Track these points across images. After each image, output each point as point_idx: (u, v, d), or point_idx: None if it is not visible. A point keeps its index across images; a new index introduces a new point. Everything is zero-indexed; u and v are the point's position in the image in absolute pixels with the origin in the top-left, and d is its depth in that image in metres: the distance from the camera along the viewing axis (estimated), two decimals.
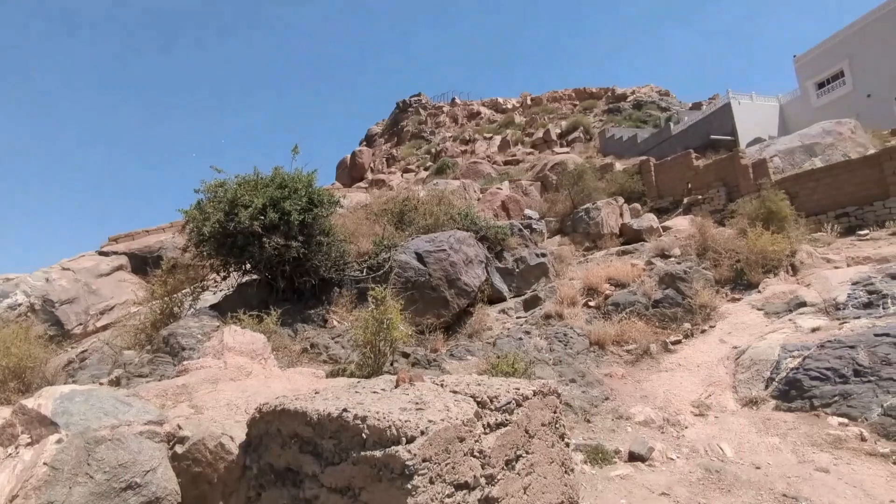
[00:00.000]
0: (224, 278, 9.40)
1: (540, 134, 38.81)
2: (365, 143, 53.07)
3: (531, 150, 36.91)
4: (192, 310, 8.94)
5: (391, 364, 6.83)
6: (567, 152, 31.42)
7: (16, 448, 3.05)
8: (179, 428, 3.58)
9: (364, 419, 2.75)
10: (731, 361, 8.33)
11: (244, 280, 9.49)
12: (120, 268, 14.82)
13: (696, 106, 38.90)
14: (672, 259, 12.08)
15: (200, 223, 8.35)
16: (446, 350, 8.94)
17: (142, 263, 15.19)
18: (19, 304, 12.31)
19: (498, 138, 39.79)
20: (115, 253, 15.18)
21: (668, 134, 28.20)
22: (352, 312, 8.86)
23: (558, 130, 39.39)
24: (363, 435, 2.70)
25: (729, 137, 24.68)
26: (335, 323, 8.73)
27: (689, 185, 19.14)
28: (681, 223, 16.10)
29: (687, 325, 9.69)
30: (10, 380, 7.75)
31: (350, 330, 7.94)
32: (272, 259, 8.37)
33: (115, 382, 6.54)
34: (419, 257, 10.09)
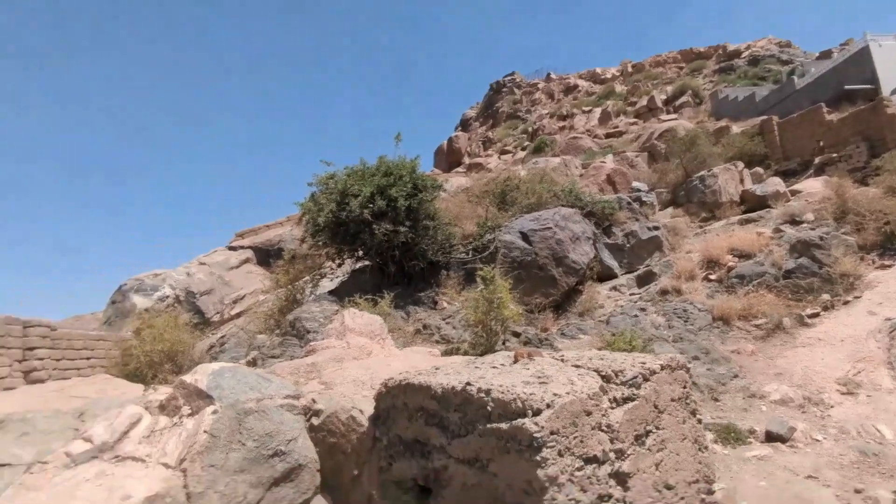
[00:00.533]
0: (339, 265, 9.94)
1: (644, 102, 36.61)
2: (460, 127, 53.33)
3: (634, 120, 34.94)
4: (312, 296, 9.57)
5: (503, 343, 6.84)
6: (675, 119, 29.36)
7: (179, 418, 3.44)
8: (314, 402, 3.83)
9: (488, 392, 2.75)
10: (885, 335, 7.38)
11: (357, 266, 9.97)
12: (247, 261, 16.23)
13: (825, 55, 34.42)
14: (804, 225, 10.88)
15: (315, 214, 8.87)
16: (557, 329, 8.79)
17: (265, 256, 16.53)
18: (167, 297, 13.93)
19: (598, 111, 38.13)
20: (242, 247, 16.65)
21: (791, 89, 25.29)
22: (460, 294, 8.98)
23: (664, 97, 36.88)
24: (488, 408, 2.71)
25: (868, 86, 21.58)
26: (445, 304, 8.90)
27: (821, 143, 17.07)
28: (812, 185, 14.43)
29: (826, 297, 8.70)
30: (165, 362, 8.83)
31: (460, 311, 8.05)
32: (382, 245, 8.70)
33: (252, 363, 7.17)
34: (524, 236, 9.97)
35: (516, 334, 7.76)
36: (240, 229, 18.26)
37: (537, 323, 8.86)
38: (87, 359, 11.16)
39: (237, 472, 3.17)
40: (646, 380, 3.14)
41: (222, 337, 11.26)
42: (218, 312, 14.14)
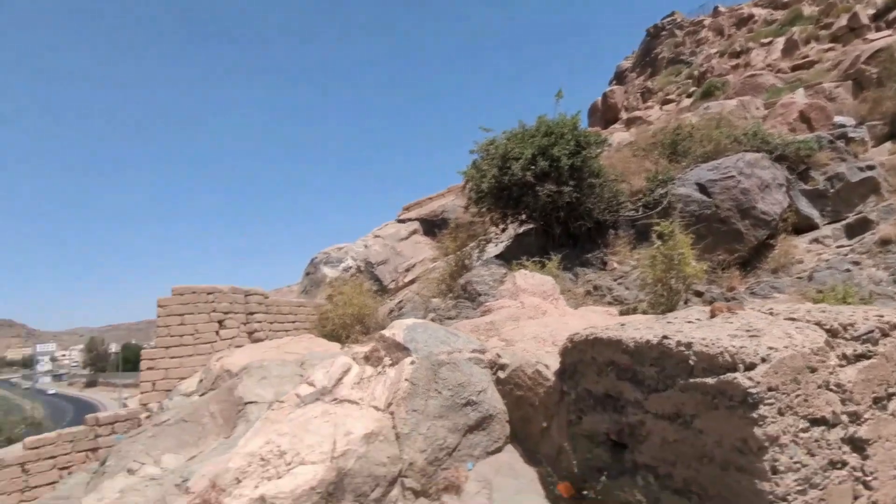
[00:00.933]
0: (503, 230, 10.07)
1: (843, 22, 30.37)
2: (615, 81, 49.78)
3: (830, 45, 29.24)
4: (479, 261, 9.86)
5: (685, 303, 6.38)
6: (888, 35, 24.02)
7: (382, 367, 3.82)
8: (499, 356, 3.98)
9: (689, 346, 2.59)
10: None
11: (521, 230, 10.00)
12: (414, 232, 17.28)
13: None
14: None
15: (478, 181, 9.05)
16: (745, 288, 7.93)
17: (430, 226, 17.42)
18: (350, 267, 15.46)
19: (780, 41, 32.64)
20: (410, 219, 17.73)
21: None
22: (631, 253, 8.54)
23: (871, 11, 30.31)
24: (689, 362, 2.55)
25: None
26: (615, 265, 8.55)
27: None
28: None
29: None
30: (355, 324, 9.86)
31: (633, 270, 7.67)
32: (546, 206, 8.60)
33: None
34: (702, 188, 9.09)
35: (698, 293, 7.18)
36: (406, 203, 19.46)
37: (721, 282, 8.08)
38: (293, 322, 12.94)
39: (436, 418, 3.43)
40: (884, 335, 2.71)
41: (399, 302, 12.20)
42: (393, 280, 15.35)
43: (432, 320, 7.90)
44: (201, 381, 8.02)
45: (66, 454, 8.44)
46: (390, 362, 3.81)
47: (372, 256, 15.70)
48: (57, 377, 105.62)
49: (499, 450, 3.69)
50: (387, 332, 3.97)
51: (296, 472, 2.97)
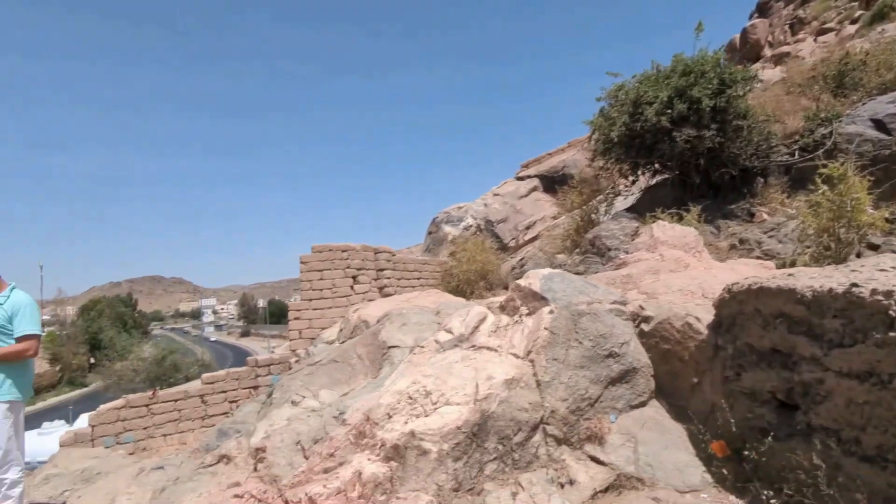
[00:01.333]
0: (633, 182, 9.48)
1: None
2: (756, 14, 43.86)
3: None
4: (607, 215, 9.41)
5: (857, 256, 5.56)
6: None
7: (519, 316, 3.80)
8: (642, 308, 3.78)
9: (889, 294, 2.23)
10: None
11: (654, 182, 9.34)
12: (534, 189, 16.93)
13: None
14: None
15: (606, 129, 8.53)
16: None
17: (550, 182, 16.95)
18: (470, 226, 15.61)
19: None
20: (529, 176, 17.38)
21: None
22: (785, 202, 7.62)
23: None
24: (890, 312, 2.20)
25: None
26: (764, 216, 7.69)
27: None
28: None
29: None
30: (478, 280, 9.99)
31: (789, 221, 6.85)
32: (684, 153, 7.90)
33: None
34: (879, 125, 7.76)
35: (873, 247, 6.22)
36: (525, 160, 19.07)
37: None
38: (418, 279, 13.46)
39: (577, 368, 3.35)
40: None
41: (521, 259, 12.13)
42: (513, 238, 15.27)
43: None
44: (341, 329, 8.67)
45: (233, 389, 9.68)
46: (527, 311, 3.78)
47: (492, 215, 15.69)
48: (218, 327, 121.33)
49: (643, 404, 3.54)
50: (523, 282, 3.93)
51: (441, 411, 3.09)
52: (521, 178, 17.53)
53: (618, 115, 8.40)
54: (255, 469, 3.33)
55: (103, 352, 45.29)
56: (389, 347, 4.03)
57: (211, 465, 3.62)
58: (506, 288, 10.74)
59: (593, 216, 9.51)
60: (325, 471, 3.11)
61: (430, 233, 16.78)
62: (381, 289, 12.08)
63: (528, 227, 15.44)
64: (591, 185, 14.66)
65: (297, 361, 10.60)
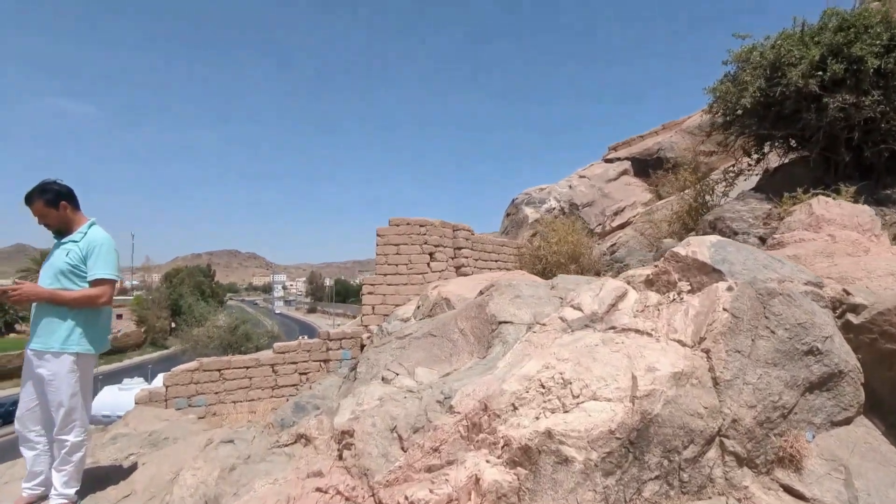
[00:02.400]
0: (757, 161, 8.21)
1: None
2: None
3: None
4: (724, 197, 8.23)
5: None
6: None
7: (677, 293, 2.96)
8: (846, 294, 2.83)
9: None
10: None
11: (786, 160, 8.04)
12: (624, 172, 15.66)
13: None
14: None
15: (735, 96, 7.34)
16: None
17: (642, 166, 15.61)
18: (553, 208, 14.63)
19: None
20: (619, 159, 16.11)
21: None
22: None
23: None
24: None
25: None
26: None
27: None
28: None
29: None
30: (569, 263, 9.09)
31: None
32: (835, 124, 6.62)
33: None
34: None
35: None
36: (612, 142, 17.75)
37: None
38: (495, 260, 12.72)
39: (768, 365, 2.48)
40: None
41: (612, 245, 11.09)
42: (599, 224, 14.15)
43: None
44: (418, 307, 8.07)
45: (304, 361, 9.38)
46: (688, 288, 2.93)
47: (577, 198, 14.62)
48: (287, 303, 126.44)
49: (848, 420, 2.62)
50: (681, 250, 3.07)
51: (586, 407, 2.32)
52: (609, 161, 16.28)
53: (751, 79, 7.19)
54: (340, 457, 2.71)
55: (182, 317, 47.87)
56: (500, 323, 3.30)
57: (287, 445, 3.06)
58: (598, 274, 9.79)
59: (707, 197, 8.34)
60: (429, 469, 2.43)
61: (508, 214, 15.93)
62: (457, 268, 11.43)
63: (616, 213, 14.26)
64: (692, 169, 13.31)
65: (368, 337, 10.18)
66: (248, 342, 29.32)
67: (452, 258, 11.39)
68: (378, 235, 10.68)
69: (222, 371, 8.69)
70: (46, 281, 2.94)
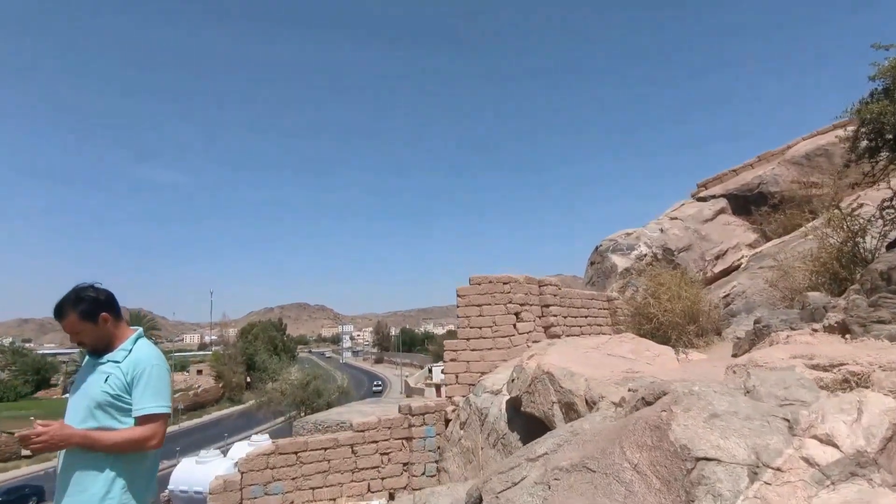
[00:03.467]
0: None
1: None
2: None
3: None
4: (882, 238, 6.79)
5: None
6: None
7: None
8: None
9: None
10: None
11: None
12: (721, 211, 14.15)
13: None
14: None
15: (892, 116, 6.08)
16: None
17: (742, 203, 14.07)
18: (644, 255, 13.29)
19: None
20: (713, 197, 14.63)
21: None
22: None
23: None
24: None
25: None
26: None
27: None
28: None
29: None
30: (687, 323, 7.78)
31: None
32: None
33: (843, 328, 5.20)
34: None
35: None
36: (701, 179, 16.28)
37: None
38: (585, 316, 11.48)
39: None
40: None
41: (725, 296, 9.65)
42: (700, 270, 12.65)
43: (845, 322, 5.39)
44: (513, 380, 7.04)
45: (385, 440, 8.47)
46: None
47: (671, 242, 13.23)
48: (355, 353, 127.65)
49: None
50: None
51: None
52: (702, 199, 14.82)
53: None
54: None
55: (257, 373, 48.67)
56: (699, 460, 2.25)
57: None
58: (719, 334, 8.38)
59: (859, 239, 6.92)
60: None
61: (592, 263, 14.69)
62: (546, 328, 10.31)
63: (718, 257, 12.74)
64: (801, 204, 11.83)
65: (454, 411, 9.16)
66: (319, 398, 28.92)
67: (540, 317, 10.29)
68: (459, 296, 9.79)
69: (299, 454, 7.94)
70: (78, 416, 2.20)
